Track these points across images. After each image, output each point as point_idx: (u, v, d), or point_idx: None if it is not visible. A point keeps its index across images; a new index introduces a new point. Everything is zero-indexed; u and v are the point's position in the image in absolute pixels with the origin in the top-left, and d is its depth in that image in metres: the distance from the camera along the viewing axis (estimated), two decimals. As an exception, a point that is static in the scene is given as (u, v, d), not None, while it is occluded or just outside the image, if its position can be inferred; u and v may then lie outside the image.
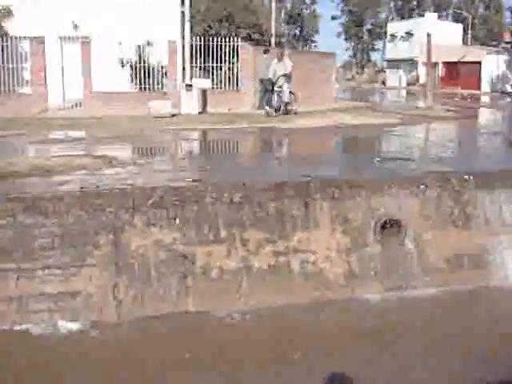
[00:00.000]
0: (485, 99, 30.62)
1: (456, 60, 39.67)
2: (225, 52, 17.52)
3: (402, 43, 46.32)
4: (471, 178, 7.70)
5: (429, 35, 18.94)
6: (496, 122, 16.96)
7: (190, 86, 15.49)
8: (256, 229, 6.89)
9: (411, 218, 7.31)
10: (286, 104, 16.22)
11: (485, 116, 19.85)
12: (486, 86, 37.51)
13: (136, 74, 17.44)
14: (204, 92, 17.19)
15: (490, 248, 7.50)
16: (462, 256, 7.38)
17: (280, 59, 16.24)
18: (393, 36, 48.82)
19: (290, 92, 16.50)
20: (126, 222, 6.58)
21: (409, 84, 45.37)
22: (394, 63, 47.85)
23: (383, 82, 48.98)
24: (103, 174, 7.67)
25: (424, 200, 7.43)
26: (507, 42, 44.87)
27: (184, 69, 16.17)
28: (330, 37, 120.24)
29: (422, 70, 44.98)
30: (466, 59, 38.71)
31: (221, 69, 17.71)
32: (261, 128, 13.19)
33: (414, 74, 45.69)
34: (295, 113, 16.23)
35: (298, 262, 6.92)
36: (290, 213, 7.02)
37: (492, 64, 37.56)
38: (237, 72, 17.56)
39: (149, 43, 17.56)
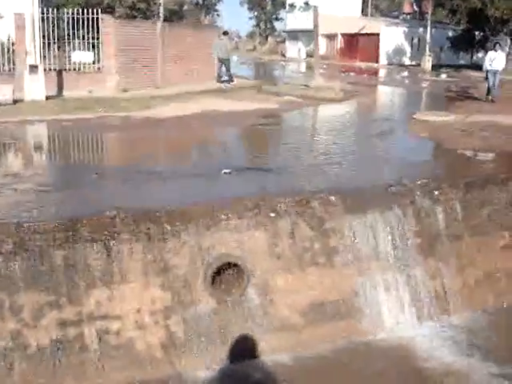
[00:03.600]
0: (381, 73, 29.60)
1: (355, 32, 38.60)
2: (85, 25, 14.91)
3: (301, 14, 44.58)
4: (338, 199, 5.96)
5: (315, 8, 17.22)
6: (385, 104, 15.46)
7: (36, 67, 12.85)
8: (34, 289, 4.83)
9: (256, 258, 5.48)
10: None
11: (376, 96, 18.45)
12: (384, 59, 36.65)
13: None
14: (60, 72, 14.62)
15: (362, 291, 5.84)
16: (323, 305, 5.67)
17: None
18: (292, 6, 46.95)
19: None
20: None
21: (308, 55, 43.93)
22: (294, 34, 46.21)
23: (283, 54, 47.33)
24: None
25: (274, 233, 5.60)
26: (407, 13, 44.29)
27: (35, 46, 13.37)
28: (233, 5, 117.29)
29: (321, 42, 43.71)
30: (365, 31, 37.66)
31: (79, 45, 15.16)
32: (109, 118, 10.93)
33: (312, 45, 44.24)
34: None
35: (95, 332, 4.93)
36: (85, 263, 4.99)
37: (390, 36, 36.68)
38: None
39: (-4, 16, 14.65)
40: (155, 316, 5.10)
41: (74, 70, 14.87)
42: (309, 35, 44.27)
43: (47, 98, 13.03)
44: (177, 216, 5.37)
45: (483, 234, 6.68)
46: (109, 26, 14.69)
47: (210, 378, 5.03)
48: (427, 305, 6.08)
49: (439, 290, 6.22)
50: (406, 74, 27.62)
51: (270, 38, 75.80)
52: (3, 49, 14.10)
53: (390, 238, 6.06)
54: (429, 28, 31.31)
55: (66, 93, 14.39)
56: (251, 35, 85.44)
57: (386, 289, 5.94)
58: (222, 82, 18.36)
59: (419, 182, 6.62)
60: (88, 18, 14.81)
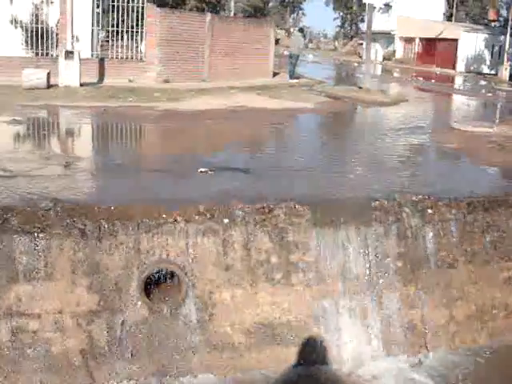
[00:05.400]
0: (454, 80, 27.96)
1: (433, 36, 36.87)
2: (131, 14, 14.85)
3: (381, 15, 43.16)
4: (306, 210, 5.33)
5: (370, 6, 16.38)
6: (434, 111, 14.22)
7: (71, 52, 12.88)
8: (-49, 278, 4.56)
9: (201, 267, 4.97)
10: None
11: (430, 102, 17.25)
12: (461, 66, 34.73)
13: (31, 37, 14.70)
14: (102, 60, 14.64)
15: (321, 316, 5.19)
16: (273, 327, 5.08)
17: None
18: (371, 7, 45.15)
19: None
20: None
21: (385, 59, 42.54)
22: (372, 36, 44.65)
23: (360, 56, 46.04)
24: None
25: (226, 241, 5.07)
26: (491, 20, 41.93)
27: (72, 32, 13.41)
28: (319, 5, 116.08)
29: (398, 45, 42.28)
30: (444, 36, 35.85)
31: (126, 34, 15.10)
32: (131, 108, 10.74)
33: (390, 48, 42.90)
34: None
35: (9, 330, 4.60)
36: (10, 255, 4.66)
37: (469, 42, 34.64)
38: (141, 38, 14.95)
39: (48, 1, 14.89)
40: (78, 319, 4.71)
41: (117, 58, 14.80)
42: (387, 37, 42.99)
43: (83, 84, 13.03)
44: (117, 214, 4.95)
45: (483, 263, 5.84)
46: (153, 15, 14.54)
47: (129, 393, 4.60)
48: (400, 338, 5.34)
49: (417, 322, 5.45)
50: (481, 82, 25.99)
51: (354, 40, 74.40)
52: (48, 34, 14.24)
53: (363, 258, 5.36)
54: (508, 36, 29.28)
55: (107, 81, 14.39)
56: (336, 36, 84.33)
57: (351, 315, 5.26)
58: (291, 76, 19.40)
59: (414, 198, 5.86)
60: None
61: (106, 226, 4.86)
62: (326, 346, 5.13)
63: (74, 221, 4.84)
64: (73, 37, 13.23)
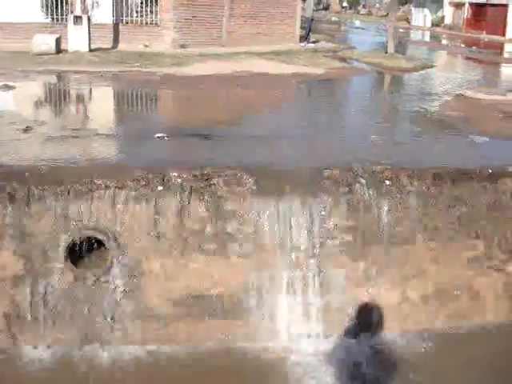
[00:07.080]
0: (497, 48, 26.40)
1: (483, 1, 34.92)
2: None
3: (430, -21, 41.24)
4: (248, 178, 5.08)
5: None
6: (452, 78, 13.22)
7: (80, 17, 12.80)
8: None
9: (130, 235, 4.83)
10: None
11: (454, 70, 16.24)
12: (511, 33, 32.82)
13: (47, 3, 14.71)
14: (116, 26, 14.55)
15: (256, 289, 4.97)
16: (203, 298, 4.91)
17: None
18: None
19: None
20: None
21: (433, 25, 40.77)
22: (421, 1, 43.01)
23: (408, 22, 44.37)
24: None
25: (159, 209, 4.90)
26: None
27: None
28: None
29: (448, 11, 40.39)
30: (494, 1, 33.85)
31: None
32: (133, 73, 10.63)
33: (439, 14, 41.02)
34: None
35: None
36: None
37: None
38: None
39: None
40: (2, 283, 4.68)
41: (132, 23, 14.67)
42: (436, 2, 41.13)
43: (93, 50, 12.98)
44: (47, 179, 4.85)
45: (446, 240, 5.44)
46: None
47: (50, 357, 4.57)
48: (342, 318, 5.07)
49: (364, 301, 5.16)
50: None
51: (406, 6, 71.60)
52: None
53: (307, 230, 5.08)
54: None
55: (121, 46, 14.31)
56: (392, 2, 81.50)
57: (290, 290, 5.02)
58: (307, 40, 18.67)
59: (373, 168, 5.50)
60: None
61: (36, 191, 4.77)
62: (258, 320, 4.94)
63: (3, 185, 4.78)
64: (84, 1, 13.12)
